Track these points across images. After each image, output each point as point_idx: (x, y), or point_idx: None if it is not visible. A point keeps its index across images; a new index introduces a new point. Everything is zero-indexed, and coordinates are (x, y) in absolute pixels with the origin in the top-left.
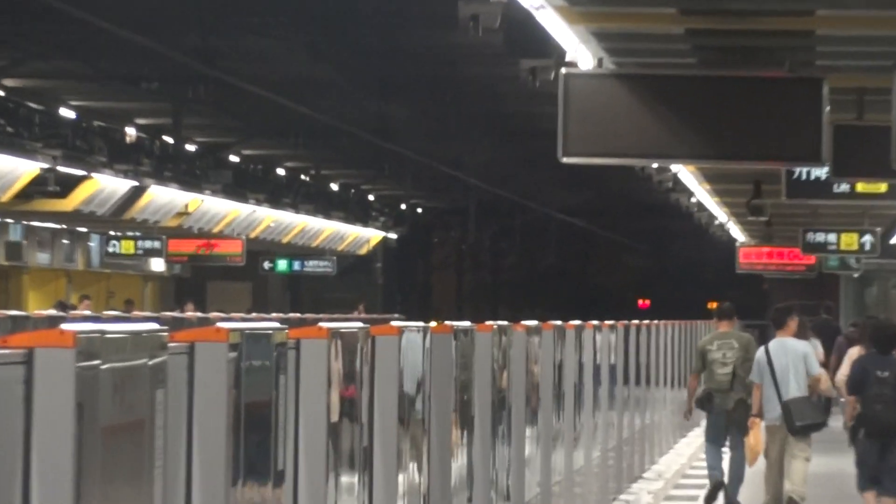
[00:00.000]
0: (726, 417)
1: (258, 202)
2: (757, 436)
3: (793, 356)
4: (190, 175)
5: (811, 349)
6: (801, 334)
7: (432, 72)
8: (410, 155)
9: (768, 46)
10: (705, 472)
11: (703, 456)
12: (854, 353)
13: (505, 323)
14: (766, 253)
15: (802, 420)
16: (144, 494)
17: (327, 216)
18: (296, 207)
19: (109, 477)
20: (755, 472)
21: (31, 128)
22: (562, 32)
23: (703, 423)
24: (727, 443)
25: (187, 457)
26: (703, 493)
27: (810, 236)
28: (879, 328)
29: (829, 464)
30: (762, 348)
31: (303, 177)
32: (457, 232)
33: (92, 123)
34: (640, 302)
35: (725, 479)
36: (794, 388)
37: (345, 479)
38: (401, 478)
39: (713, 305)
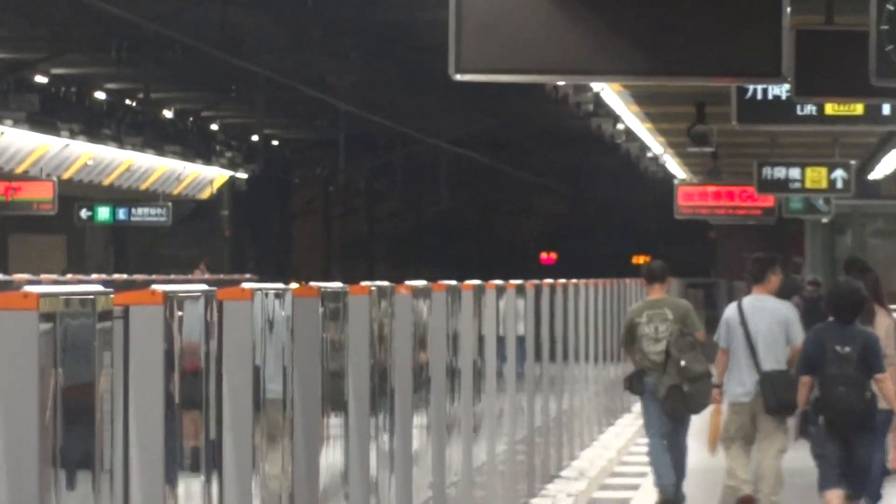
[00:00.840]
0: (659, 406)
1: (72, 134)
2: (719, 417)
3: (772, 319)
4: None
5: (795, 313)
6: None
7: None
8: (263, 72)
9: None
10: (637, 469)
11: (637, 449)
12: None
13: (385, 284)
14: (712, 193)
15: (782, 399)
16: None
17: (159, 151)
18: (119, 141)
19: None
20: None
21: None
22: None
23: (634, 408)
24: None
25: None
26: (634, 494)
27: (767, 172)
28: (839, 293)
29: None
30: (733, 305)
31: (128, 101)
32: (323, 170)
33: None
34: (545, 256)
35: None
36: (772, 360)
37: (187, 480)
38: (256, 479)
39: (641, 260)
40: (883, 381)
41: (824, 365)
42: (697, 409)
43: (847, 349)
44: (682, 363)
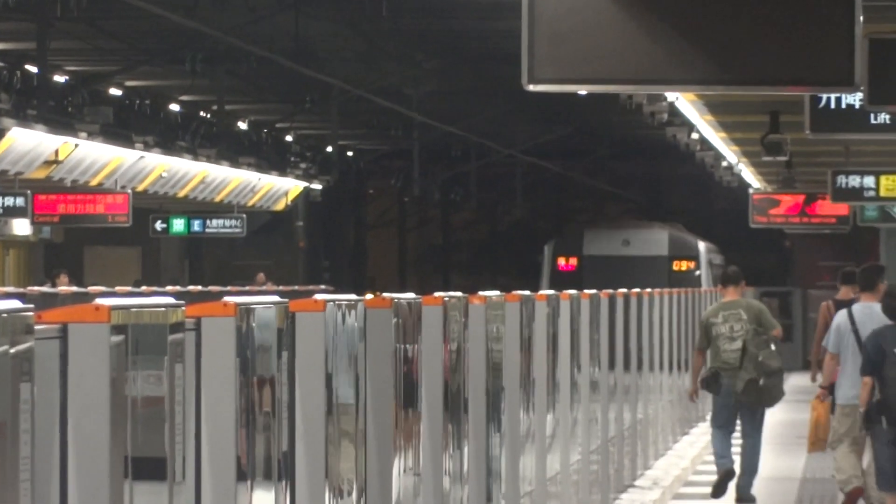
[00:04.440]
0: (735, 400)
1: (146, 146)
2: (823, 417)
3: (881, 325)
4: (60, 113)
5: None
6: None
7: None
8: (338, 83)
9: None
10: (711, 478)
11: (710, 458)
12: None
13: (459, 294)
14: (786, 202)
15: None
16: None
17: (234, 163)
18: (194, 152)
19: None
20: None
21: None
22: None
23: (709, 416)
24: (738, 428)
25: (61, 467)
26: (708, 503)
27: (842, 180)
28: (894, 297)
29: None
30: (843, 313)
31: (202, 113)
32: (398, 181)
33: None
34: None
35: (737, 469)
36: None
37: (259, 489)
38: (328, 488)
39: None
40: None
41: (884, 367)
42: (772, 401)
43: None
44: (760, 358)
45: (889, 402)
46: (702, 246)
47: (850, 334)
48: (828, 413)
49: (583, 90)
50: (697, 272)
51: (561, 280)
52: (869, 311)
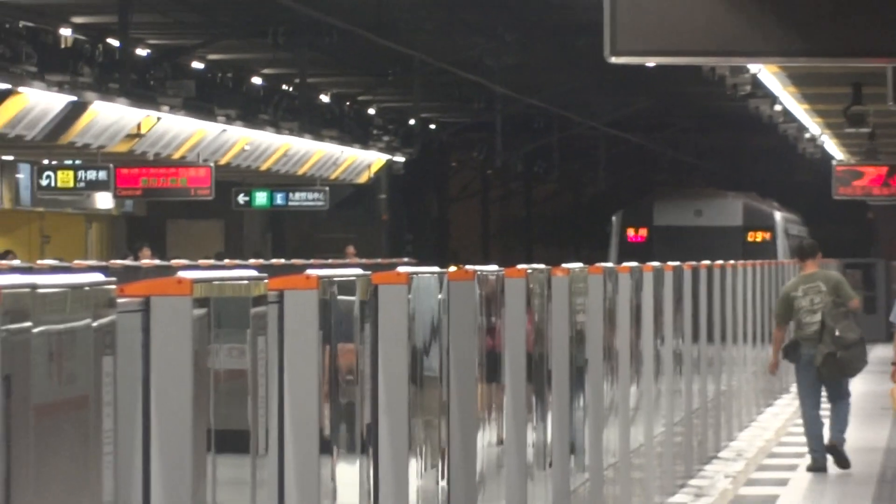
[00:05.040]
0: (816, 373)
1: (228, 120)
2: None
3: None
4: (142, 87)
5: None
6: None
7: None
8: (420, 56)
9: None
10: (795, 449)
11: (795, 430)
12: None
13: (542, 267)
14: (870, 174)
15: None
16: (90, 491)
17: (317, 136)
18: (276, 126)
19: (41, 471)
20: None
21: None
22: None
23: (793, 388)
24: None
25: (144, 440)
26: (793, 475)
27: None
28: None
29: None
30: None
31: (284, 87)
32: (480, 153)
33: (17, 24)
34: None
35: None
36: None
37: (343, 463)
38: (413, 463)
39: None
40: None
41: None
42: (853, 372)
43: None
44: (837, 332)
45: None
46: (778, 216)
47: None
48: None
49: (666, 62)
50: (774, 243)
51: (630, 252)
52: None
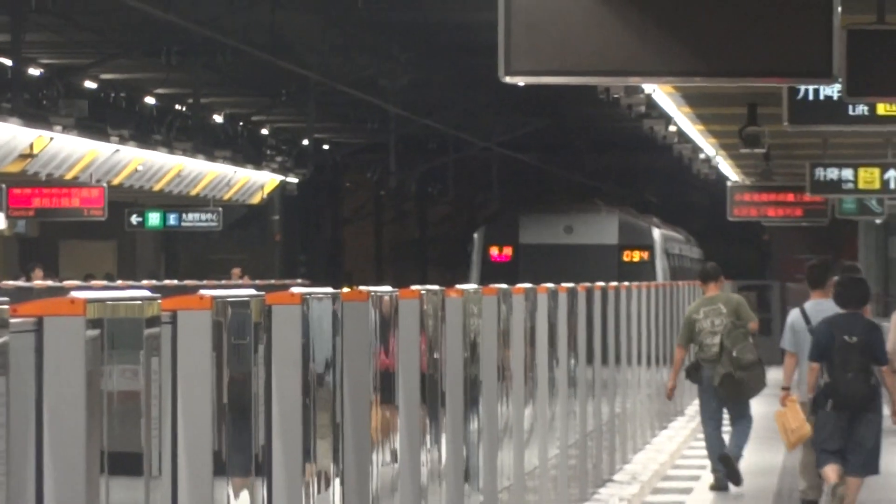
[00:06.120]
0: (715, 393)
1: (122, 140)
2: (796, 415)
3: None
4: (35, 106)
5: None
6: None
7: None
8: (314, 76)
9: None
10: (690, 472)
11: (690, 452)
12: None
13: (436, 288)
14: (765, 195)
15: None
16: None
17: (210, 156)
18: (170, 146)
19: None
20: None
21: None
22: None
23: (688, 410)
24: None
25: (37, 462)
26: (687, 497)
27: (820, 173)
28: (846, 285)
29: None
30: (796, 311)
31: (178, 106)
32: (374, 174)
33: None
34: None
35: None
36: None
37: (237, 485)
38: (307, 484)
39: None
40: (886, 374)
41: (832, 353)
42: (751, 393)
43: (854, 338)
44: (734, 353)
45: (836, 386)
46: (657, 233)
47: (806, 332)
48: (796, 410)
49: (559, 82)
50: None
51: (493, 272)
52: (821, 308)
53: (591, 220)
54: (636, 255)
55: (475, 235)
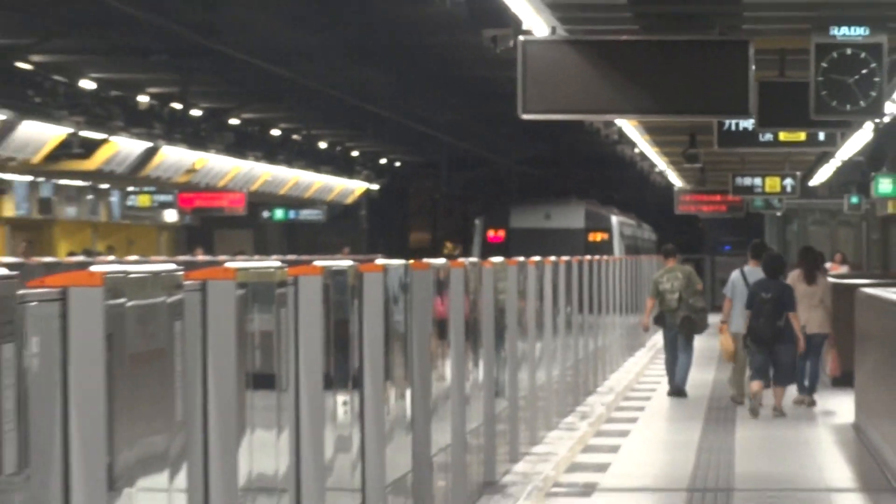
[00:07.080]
0: (676, 331)
1: (256, 159)
2: (728, 338)
3: None
4: (196, 137)
5: None
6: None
7: (406, 40)
8: (388, 115)
9: (701, 13)
10: (650, 386)
11: (649, 373)
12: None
13: (476, 260)
14: (700, 196)
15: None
16: (167, 411)
17: (317, 170)
18: (289, 163)
19: (136, 397)
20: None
21: (56, 98)
22: (518, 4)
23: (649, 343)
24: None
25: (203, 380)
26: (648, 403)
27: (739, 180)
28: (770, 259)
29: None
30: (737, 272)
31: (294, 137)
32: (430, 182)
33: (109, 93)
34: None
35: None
36: None
37: (341, 394)
38: (390, 394)
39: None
40: (793, 318)
41: (755, 305)
42: (700, 330)
43: (769, 295)
44: (690, 301)
45: (753, 327)
46: (614, 219)
47: (742, 286)
48: (728, 336)
49: (557, 118)
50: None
51: (491, 250)
52: (754, 271)
53: (564, 210)
54: (598, 236)
55: (476, 221)
